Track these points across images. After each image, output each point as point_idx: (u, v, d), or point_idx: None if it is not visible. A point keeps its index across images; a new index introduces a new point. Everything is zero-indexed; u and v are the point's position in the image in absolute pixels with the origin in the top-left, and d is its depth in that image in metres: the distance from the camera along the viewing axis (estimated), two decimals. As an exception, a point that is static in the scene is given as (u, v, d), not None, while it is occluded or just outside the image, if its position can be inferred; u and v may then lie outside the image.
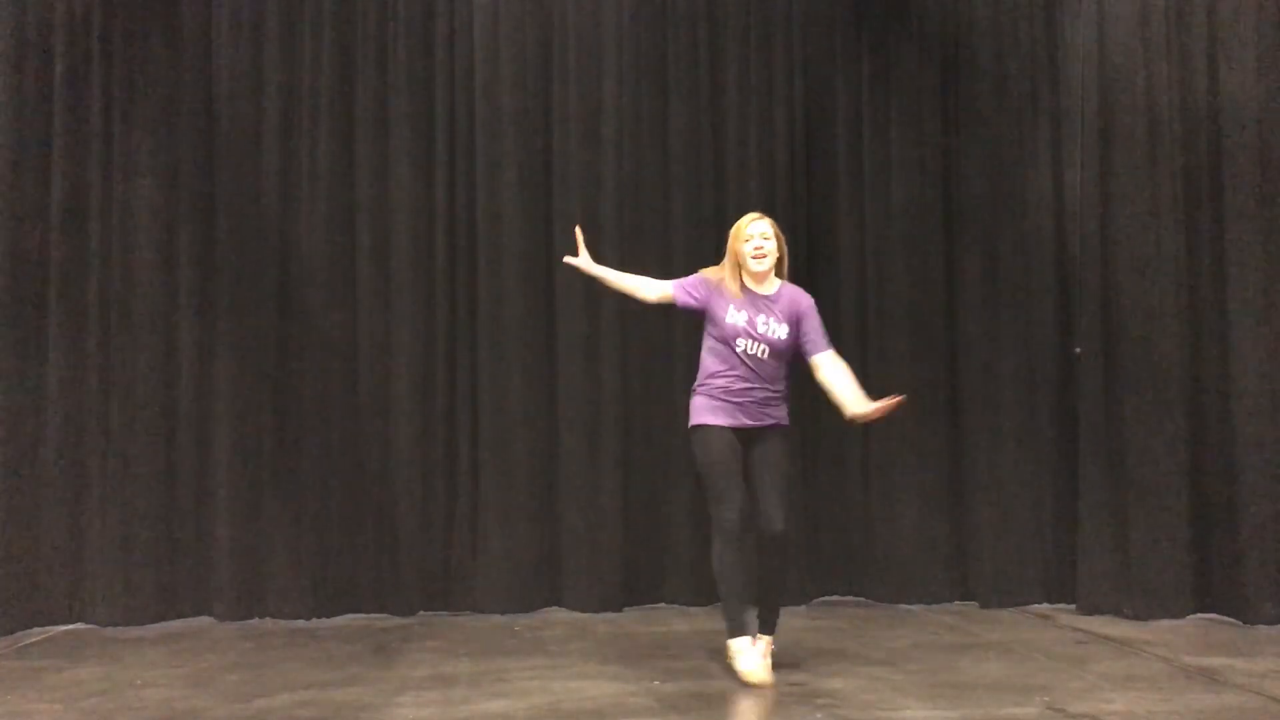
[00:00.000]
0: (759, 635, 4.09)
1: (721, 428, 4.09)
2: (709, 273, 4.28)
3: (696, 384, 4.22)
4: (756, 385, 4.11)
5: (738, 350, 4.11)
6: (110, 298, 5.35)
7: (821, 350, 4.18)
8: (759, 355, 4.11)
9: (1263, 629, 4.93)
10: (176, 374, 5.39)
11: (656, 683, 4.01)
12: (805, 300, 4.23)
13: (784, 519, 4.07)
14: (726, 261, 4.23)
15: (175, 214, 5.43)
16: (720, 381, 4.14)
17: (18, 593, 5.08)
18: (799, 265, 5.73)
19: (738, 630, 4.04)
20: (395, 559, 5.40)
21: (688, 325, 5.67)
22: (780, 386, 4.19)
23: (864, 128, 5.83)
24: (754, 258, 4.15)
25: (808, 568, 5.63)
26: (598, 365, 5.56)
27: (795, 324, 4.17)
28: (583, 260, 4.40)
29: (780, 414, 4.20)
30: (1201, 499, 5.21)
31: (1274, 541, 5.02)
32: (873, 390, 5.65)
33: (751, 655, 4.00)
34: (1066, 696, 3.77)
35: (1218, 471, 5.19)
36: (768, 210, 5.67)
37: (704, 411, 4.15)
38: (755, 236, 4.17)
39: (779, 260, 4.22)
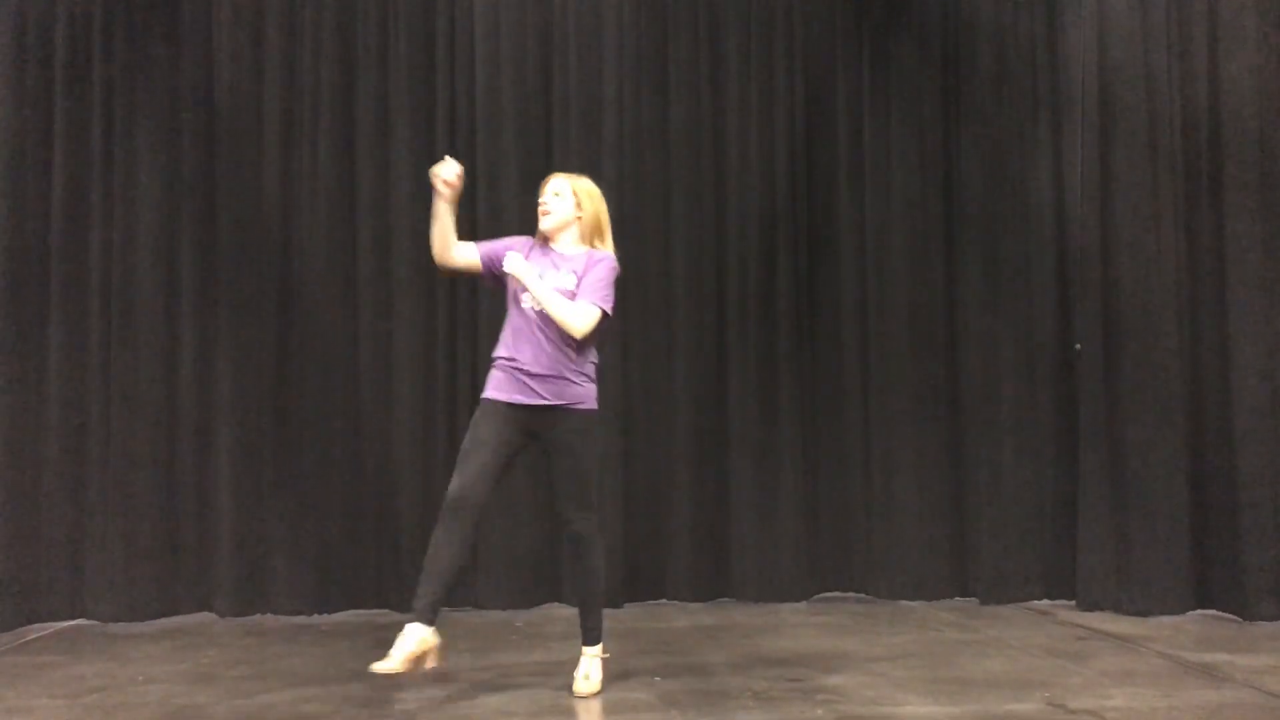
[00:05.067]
0: (582, 648, 3.82)
1: (498, 403, 3.67)
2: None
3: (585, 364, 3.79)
4: (546, 350, 3.66)
5: (523, 305, 3.70)
6: (111, 294, 5.34)
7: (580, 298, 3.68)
8: (533, 309, 3.68)
9: (1262, 625, 4.93)
10: (178, 370, 5.39)
11: (657, 679, 4.01)
12: (599, 255, 3.79)
13: (583, 519, 3.73)
14: None
15: (176, 211, 5.43)
16: (505, 351, 3.73)
17: (19, 588, 5.08)
18: (799, 263, 5.77)
19: (418, 615, 3.56)
20: (396, 555, 5.41)
21: (688, 324, 5.68)
22: (574, 357, 3.70)
23: (864, 123, 5.83)
24: (540, 214, 3.82)
25: (808, 564, 5.64)
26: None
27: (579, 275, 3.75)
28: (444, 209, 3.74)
29: (579, 393, 3.72)
30: (1201, 495, 5.22)
31: (1273, 538, 5.02)
32: (872, 390, 5.73)
33: (402, 645, 3.51)
34: (1066, 692, 3.78)
35: (1217, 468, 5.19)
36: (768, 207, 5.74)
37: (489, 384, 3.74)
38: (545, 192, 3.84)
39: (583, 222, 3.82)
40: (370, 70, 5.56)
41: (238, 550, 5.33)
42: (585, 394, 3.75)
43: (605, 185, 5.52)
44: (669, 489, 5.59)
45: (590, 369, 3.79)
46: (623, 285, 5.55)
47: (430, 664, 3.61)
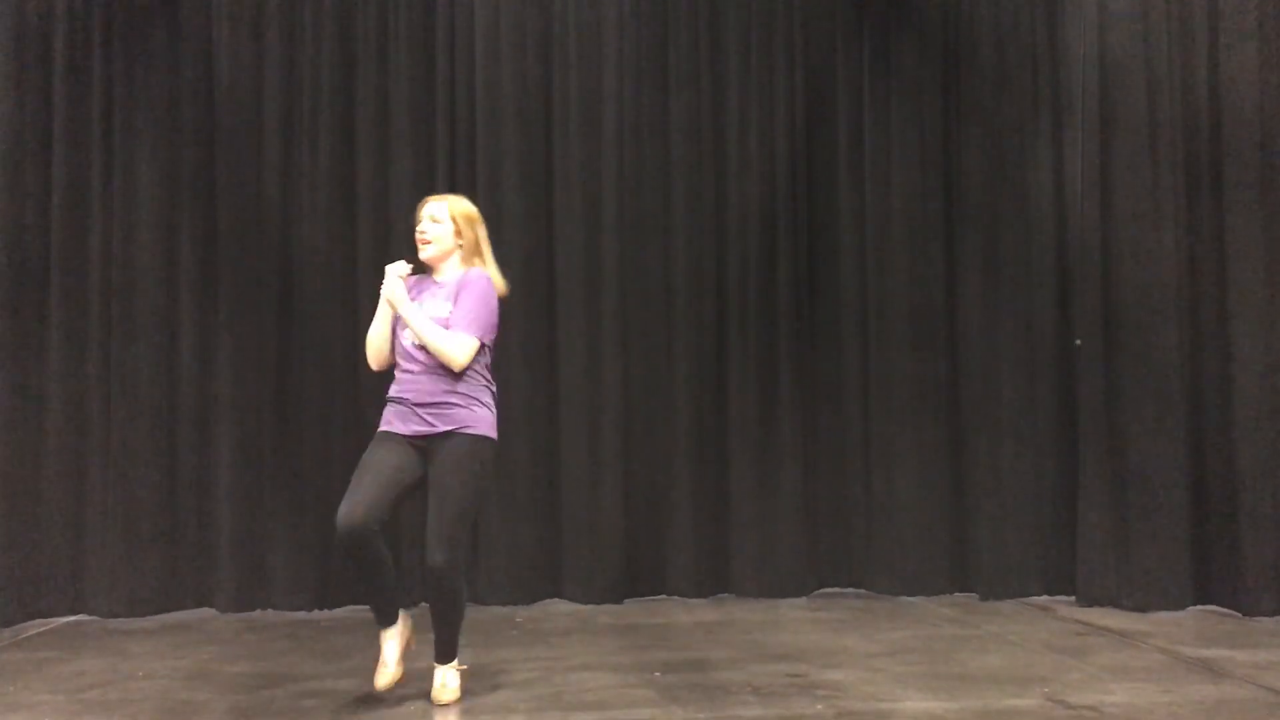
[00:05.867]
0: (437, 665, 3.66)
1: (391, 433, 3.58)
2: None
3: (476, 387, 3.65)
4: (426, 378, 3.55)
5: (405, 343, 3.61)
6: (111, 291, 5.35)
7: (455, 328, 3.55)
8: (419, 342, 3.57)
9: (1262, 621, 4.94)
10: (178, 366, 5.39)
11: (658, 674, 4.01)
12: (472, 276, 3.63)
13: (439, 553, 3.45)
14: None
15: (175, 208, 5.42)
16: (394, 388, 3.65)
17: (19, 584, 5.08)
18: (799, 259, 5.76)
19: (380, 619, 3.63)
20: (396, 551, 5.38)
21: (688, 320, 5.68)
22: (458, 383, 3.56)
23: (864, 119, 5.83)
24: (419, 244, 3.68)
25: (808, 559, 5.64)
26: (598, 358, 5.57)
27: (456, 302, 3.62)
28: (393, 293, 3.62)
29: (462, 417, 3.55)
30: (1201, 491, 5.22)
31: (1273, 533, 5.03)
32: (872, 386, 5.73)
33: (388, 650, 3.61)
34: (1066, 688, 3.78)
35: (1217, 463, 5.20)
36: (768, 204, 5.74)
37: (382, 420, 3.65)
38: (423, 219, 3.69)
39: (464, 249, 3.68)
40: (370, 67, 5.55)
41: (237, 546, 5.33)
42: (473, 418, 3.57)
43: (605, 182, 5.62)
44: (669, 485, 5.59)
45: (482, 394, 3.63)
46: (622, 282, 5.63)
47: (412, 645, 3.73)
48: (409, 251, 5.48)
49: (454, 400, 3.55)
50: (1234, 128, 5.20)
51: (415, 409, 3.56)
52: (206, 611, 5.33)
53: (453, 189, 5.56)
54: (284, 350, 5.44)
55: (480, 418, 3.59)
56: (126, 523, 5.24)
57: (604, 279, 5.58)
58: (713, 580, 5.63)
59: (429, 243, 3.66)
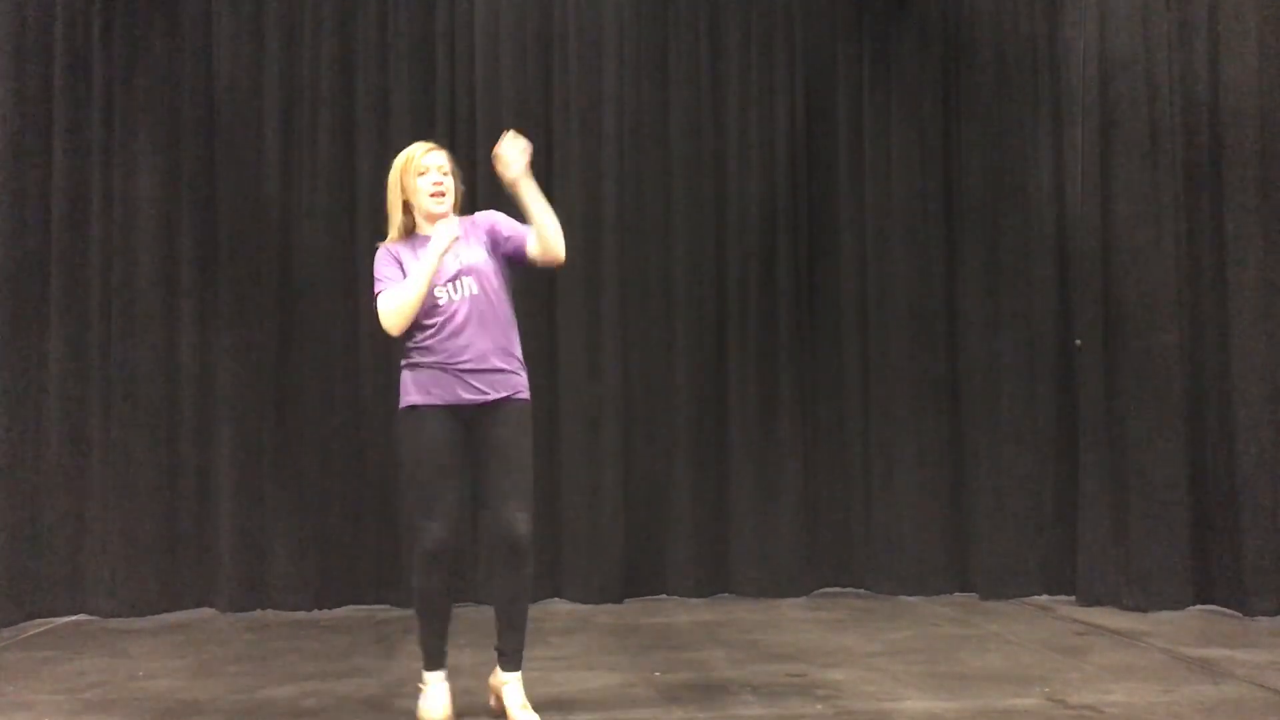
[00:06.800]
0: (503, 673, 3.42)
1: (435, 409, 3.30)
2: (390, 243, 3.44)
3: (402, 358, 3.41)
4: (472, 339, 3.28)
5: (440, 303, 3.31)
6: (111, 291, 5.35)
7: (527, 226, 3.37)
8: (468, 294, 3.32)
9: (1262, 620, 4.93)
10: (178, 366, 5.40)
11: (658, 674, 4.01)
12: (483, 215, 3.51)
13: (530, 520, 3.30)
14: (390, 206, 3.43)
15: (175, 207, 5.43)
16: (426, 347, 3.31)
17: (20, 584, 5.09)
18: (799, 258, 5.76)
19: (433, 663, 3.44)
20: (397, 550, 5.41)
21: (688, 318, 5.68)
22: (507, 339, 3.37)
23: (864, 119, 5.82)
24: (433, 195, 3.38)
25: (807, 559, 5.64)
26: (598, 356, 5.57)
27: (489, 237, 3.43)
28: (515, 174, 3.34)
29: (515, 382, 3.37)
30: (1201, 490, 5.22)
31: (1274, 532, 5.02)
32: (872, 386, 5.73)
33: (437, 693, 3.42)
34: (1066, 687, 3.78)
35: (1218, 463, 5.19)
36: (768, 203, 5.74)
37: (412, 389, 3.34)
38: (432, 169, 3.38)
39: (457, 202, 3.48)
40: (370, 67, 5.56)
41: (238, 546, 5.33)
42: (522, 383, 3.41)
43: (606, 177, 5.61)
44: (669, 485, 5.59)
45: (520, 352, 3.45)
46: (622, 281, 5.63)
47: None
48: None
49: (502, 364, 3.34)
50: (1234, 128, 5.20)
51: (461, 375, 3.28)
52: (206, 611, 5.33)
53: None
54: (284, 350, 5.44)
55: (525, 382, 3.42)
56: (126, 523, 5.24)
57: (604, 279, 5.58)
58: (713, 580, 5.62)
59: (444, 194, 3.41)
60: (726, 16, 5.78)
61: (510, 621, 3.41)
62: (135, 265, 5.36)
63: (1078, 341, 5.50)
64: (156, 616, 5.23)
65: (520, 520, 3.29)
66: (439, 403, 3.30)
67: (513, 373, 3.38)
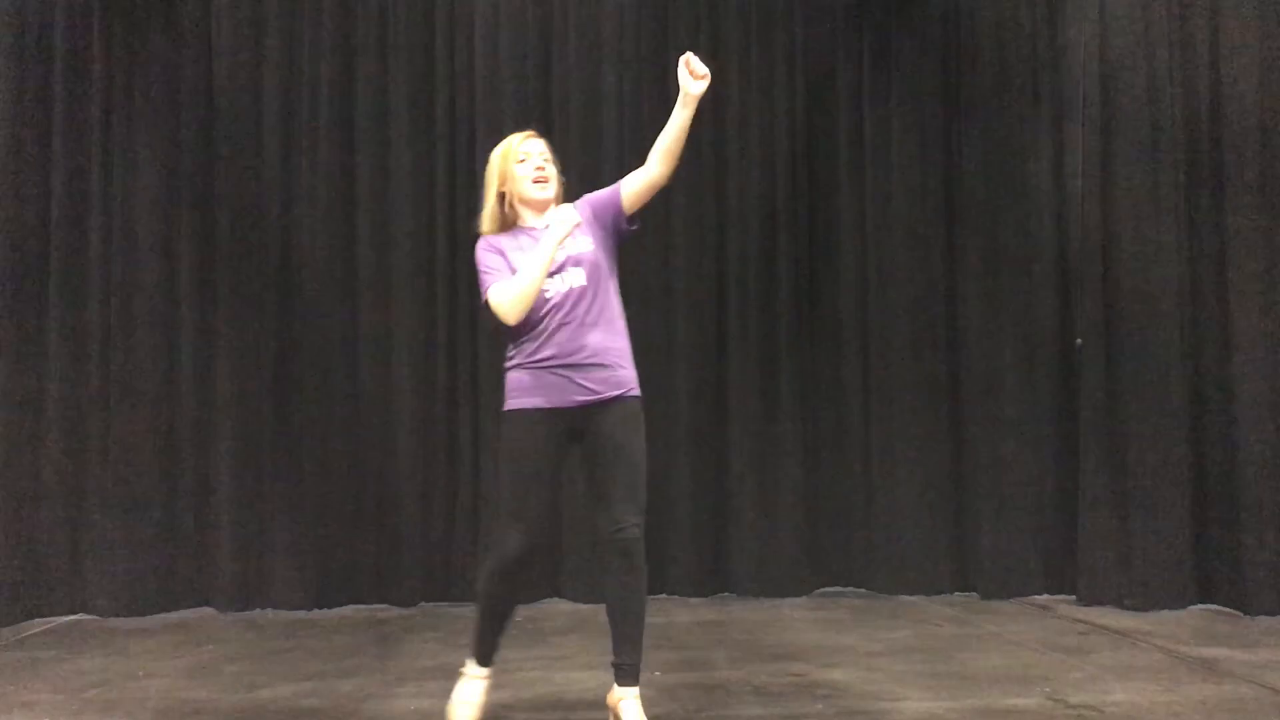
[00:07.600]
0: (619, 688, 3.23)
1: (538, 411, 3.17)
2: (489, 234, 3.34)
3: (508, 357, 3.28)
4: (583, 334, 3.16)
5: (548, 295, 3.17)
6: (111, 290, 5.35)
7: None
8: (575, 286, 3.19)
9: (1263, 620, 4.93)
10: (177, 365, 5.40)
11: (657, 673, 4.01)
12: (583, 200, 3.35)
13: (638, 523, 3.13)
14: (488, 197, 3.34)
15: (176, 207, 5.43)
16: (534, 344, 3.18)
17: (19, 583, 5.08)
18: (799, 257, 5.76)
19: (483, 659, 3.33)
20: (396, 550, 5.41)
21: (688, 318, 5.68)
22: (616, 332, 3.24)
23: (864, 117, 5.82)
24: (535, 182, 3.28)
25: (808, 559, 5.64)
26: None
27: (597, 218, 3.29)
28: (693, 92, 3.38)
29: (625, 378, 3.22)
30: (1202, 490, 5.22)
31: (1275, 532, 5.02)
32: (873, 386, 5.72)
33: (473, 689, 3.30)
34: (1067, 687, 3.78)
35: (1219, 462, 5.19)
36: (769, 203, 5.74)
37: (518, 390, 3.21)
38: (533, 155, 3.29)
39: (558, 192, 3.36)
40: (370, 65, 5.55)
41: (238, 545, 5.33)
42: (633, 379, 3.27)
43: (606, 176, 5.58)
44: (669, 483, 5.58)
45: (629, 347, 3.33)
46: (621, 281, 5.60)
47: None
48: (417, 247, 5.53)
49: (615, 355, 3.21)
50: (1234, 127, 5.20)
51: (572, 372, 3.15)
52: (206, 610, 5.33)
53: (453, 189, 5.60)
54: (284, 350, 5.44)
55: (635, 377, 3.27)
56: (126, 522, 5.24)
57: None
58: (713, 580, 5.62)
59: (548, 180, 3.30)
60: (726, 17, 5.78)
61: (624, 632, 3.22)
62: (135, 265, 5.36)
63: (1078, 341, 5.50)
64: (156, 616, 5.23)
65: (633, 526, 3.13)
66: (546, 405, 3.17)
67: (624, 369, 3.24)
